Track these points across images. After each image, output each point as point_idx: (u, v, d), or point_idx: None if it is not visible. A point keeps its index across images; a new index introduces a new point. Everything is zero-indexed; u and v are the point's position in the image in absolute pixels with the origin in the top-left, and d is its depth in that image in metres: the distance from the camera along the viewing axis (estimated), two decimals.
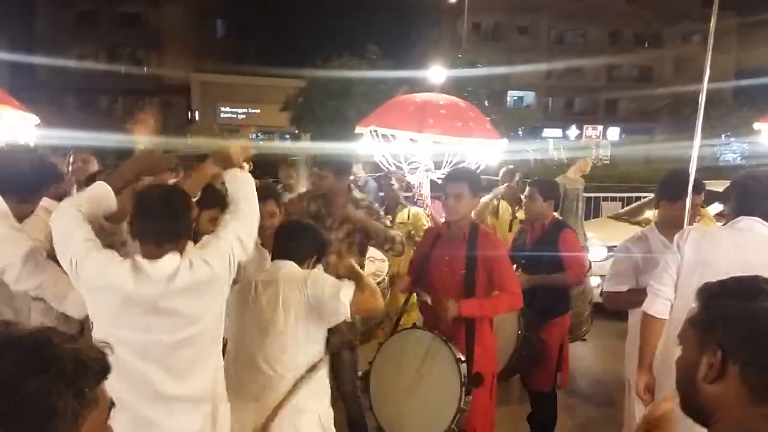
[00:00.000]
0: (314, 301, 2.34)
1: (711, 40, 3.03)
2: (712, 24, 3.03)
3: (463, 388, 2.86)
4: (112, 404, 0.97)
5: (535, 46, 43.36)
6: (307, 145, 25.21)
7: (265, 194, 2.84)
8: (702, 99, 2.99)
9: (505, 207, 5.65)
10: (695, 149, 2.94)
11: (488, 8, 39.55)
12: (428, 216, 5.03)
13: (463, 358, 2.94)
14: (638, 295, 2.82)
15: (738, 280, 1.20)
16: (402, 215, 4.98)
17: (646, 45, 44.18)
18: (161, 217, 2.03)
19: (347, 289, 2.33)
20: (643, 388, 2.67)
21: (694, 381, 1.14)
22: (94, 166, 4.34)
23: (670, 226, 2.94)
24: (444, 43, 35.31)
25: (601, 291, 3.47)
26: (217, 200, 2.60)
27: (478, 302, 3.01)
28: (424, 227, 4.84)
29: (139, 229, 2.08)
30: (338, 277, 2.47)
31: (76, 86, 37.62)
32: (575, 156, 9.35)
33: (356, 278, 2.44)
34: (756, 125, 5.80)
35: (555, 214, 4.01)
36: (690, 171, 2.95)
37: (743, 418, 1.07)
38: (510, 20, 43.24)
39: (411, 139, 5.30)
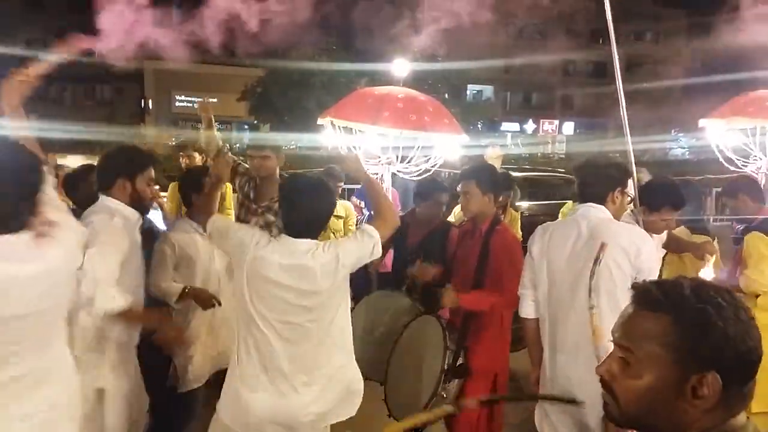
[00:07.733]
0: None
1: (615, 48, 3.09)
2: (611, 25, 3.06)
3: (443, 375, 2.92)
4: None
5: (494, 41, 43.72)
6: (267, 136, 24.85)
7: None
8: (622, 100, 3.05)
9: None
10: (629, 147, 2.99)
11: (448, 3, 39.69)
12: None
13: (453, 348, 3.00)
14: None
15: (698, 291, 1.10)
16: (337, 209, 4.92)
17: (601, 42, 45.13)
18: None
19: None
20: (535, 380, 2.75)
21: (671, 401, 1.08)
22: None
23: (648, 230, 2.99)
24: (404, 36, 35.26)
25: None
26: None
27: (477, 294, 3.05)
28: (354, 221, 4.94)
29: None
30: None
31: None
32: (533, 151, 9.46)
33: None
34: (701, 122, 5.89)
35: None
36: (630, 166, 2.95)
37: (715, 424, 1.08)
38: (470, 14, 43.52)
39: (378, 133, 5.32)
